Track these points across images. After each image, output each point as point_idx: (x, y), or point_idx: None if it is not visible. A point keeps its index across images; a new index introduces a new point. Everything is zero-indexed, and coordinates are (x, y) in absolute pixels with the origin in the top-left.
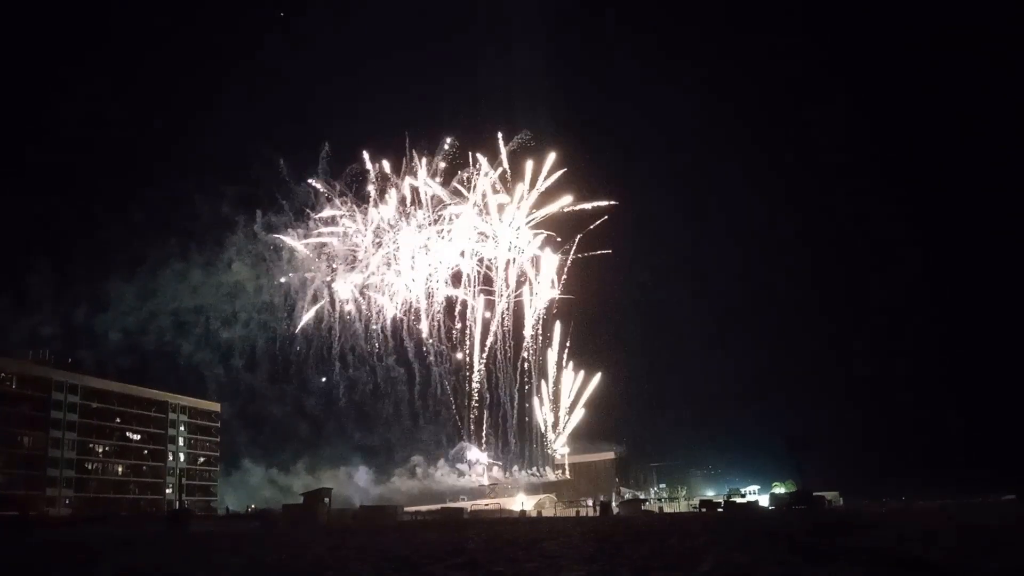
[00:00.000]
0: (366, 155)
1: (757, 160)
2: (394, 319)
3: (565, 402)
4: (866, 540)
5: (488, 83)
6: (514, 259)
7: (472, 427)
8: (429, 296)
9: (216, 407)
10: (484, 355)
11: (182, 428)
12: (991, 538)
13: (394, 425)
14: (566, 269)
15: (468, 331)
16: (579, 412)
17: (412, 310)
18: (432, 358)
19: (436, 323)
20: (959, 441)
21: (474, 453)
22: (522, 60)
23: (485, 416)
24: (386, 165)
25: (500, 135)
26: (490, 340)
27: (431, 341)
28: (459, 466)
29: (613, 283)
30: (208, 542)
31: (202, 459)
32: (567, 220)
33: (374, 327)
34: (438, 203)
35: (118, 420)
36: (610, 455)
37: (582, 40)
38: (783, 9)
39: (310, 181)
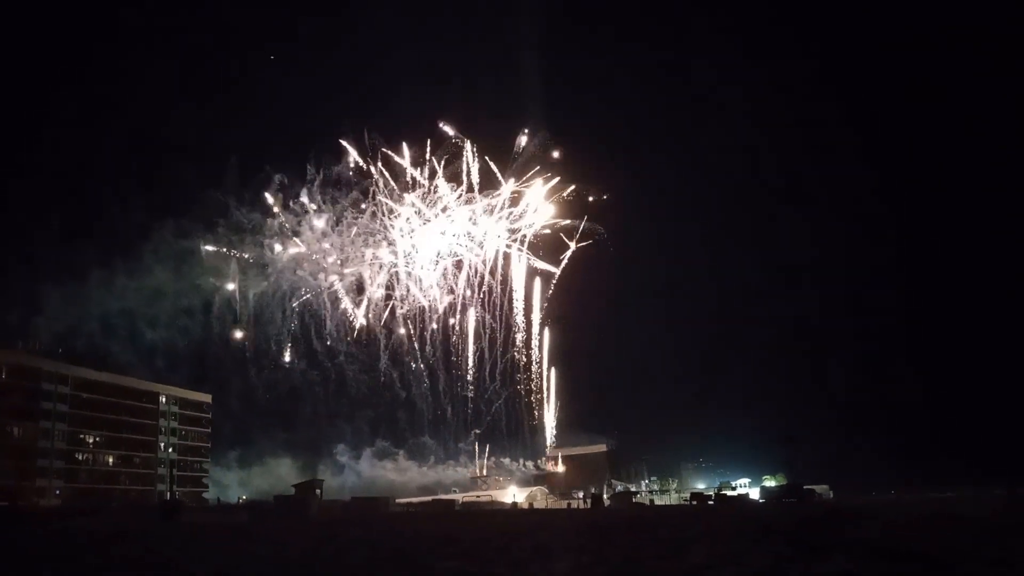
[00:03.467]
0: (353, 151)
1: (754, 155)
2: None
3: (553, 394)
4: (856, 532)
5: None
6: (503, 252)
7: (467, 419)
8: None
9: (207, 398)
10: (475, 349)
11: (173, 419)
12: (979, 529)
13: (384, 415)
14: (561, 260)
15: (460, 326)
16: (566, 403)
17: (403, 305)
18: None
19: (427, 318)
20: (949, 435)
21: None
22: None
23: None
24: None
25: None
26: (473, 330)
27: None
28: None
29: (605, 275)
30: (199, 533)
31: (193, 450)
32: (563, 207)
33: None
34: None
35: (109, 411)
36: (602, 448)
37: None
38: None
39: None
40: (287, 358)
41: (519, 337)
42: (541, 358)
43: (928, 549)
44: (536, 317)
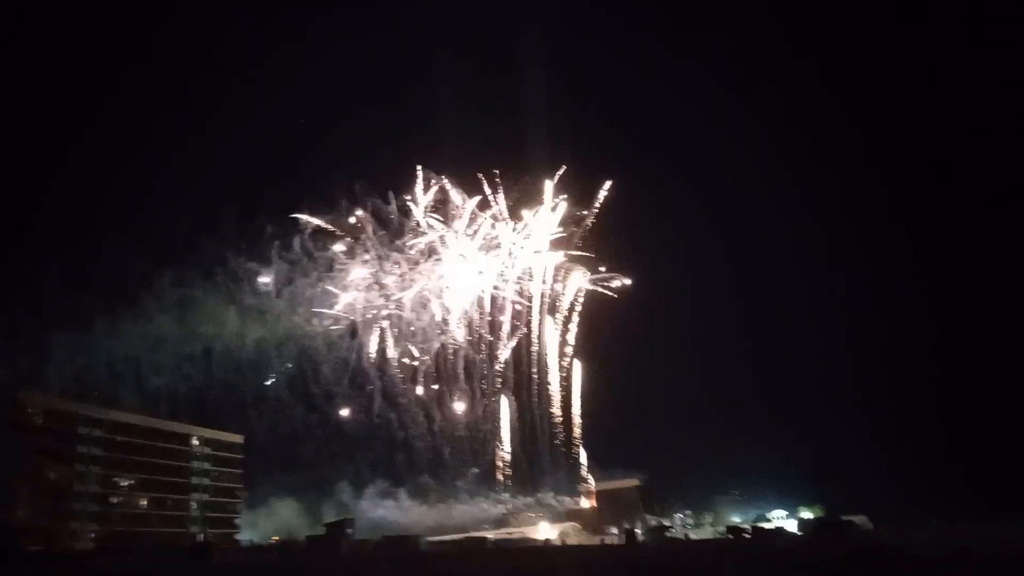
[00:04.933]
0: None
1: (783, 176)
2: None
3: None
4: (895, 569)
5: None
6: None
7: (498, 456)
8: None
9: (239, 439)
10: (503, 386)
11: (204, 460)
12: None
13: (413, 455)
14: (581, 294)
15: (489, 359)
16: (598, 438)
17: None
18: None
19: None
20: (986, 463)
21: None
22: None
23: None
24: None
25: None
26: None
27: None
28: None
29: (635, 310)
30: (231, 574)
31: (224, 491)
32: (585, 244)
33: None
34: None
35: (141, 453)
36: (634, 482)
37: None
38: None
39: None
40: (343, 412)
41: (550, 376)
42: (570, 393)
43: None
44: (566, 350)
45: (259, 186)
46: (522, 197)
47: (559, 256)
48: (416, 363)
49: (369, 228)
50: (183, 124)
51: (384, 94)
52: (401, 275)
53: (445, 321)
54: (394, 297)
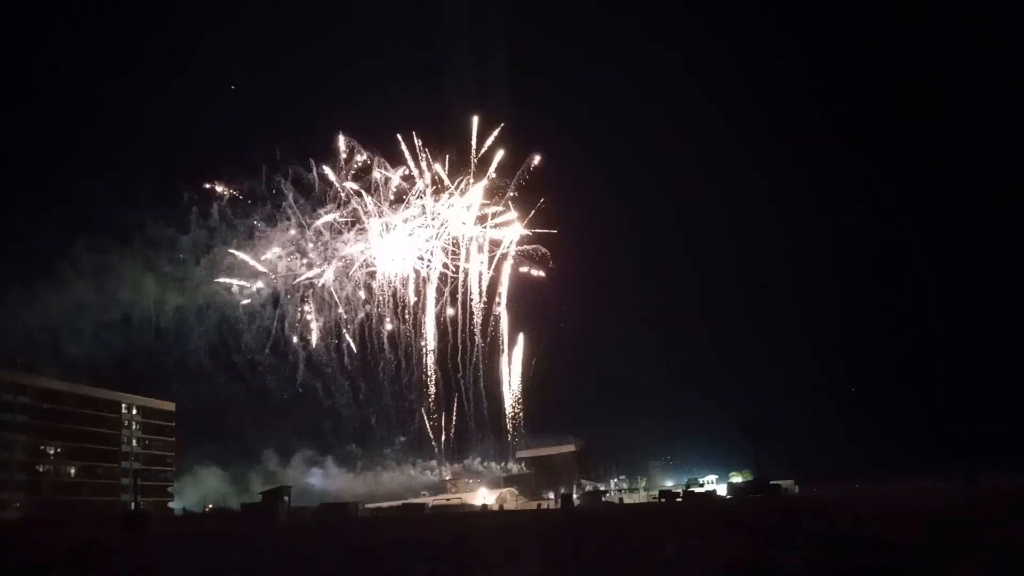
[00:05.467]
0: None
1: (720, 149)
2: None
3: (513, 390)
4: (821, 524)
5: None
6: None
7: (429, 422)
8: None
9: (170, 406)
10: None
11: (136, 428)
12: (937, 518)
13: (344, 417)
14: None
15: (419, 320)
16: (532, 404)
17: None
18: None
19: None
20: (912, 426)
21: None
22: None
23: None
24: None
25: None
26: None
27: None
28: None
29: (565, 269)
30: (165, 544)
31: (156, 459)
32: (518, 203)
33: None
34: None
35: (70, 421)
36: (570, 448)
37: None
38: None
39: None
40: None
41: (483, 343)
42: (506, 360)
43: (890, 538)
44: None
45: (179, 152)
46: (452, 169)
47: (487, 224)
48: (342, 332)
49: (289, 196)
50: (100, 85)
51: (306, 58)
52: (324, 244)
53: (369, 289)
54: (316, 266)
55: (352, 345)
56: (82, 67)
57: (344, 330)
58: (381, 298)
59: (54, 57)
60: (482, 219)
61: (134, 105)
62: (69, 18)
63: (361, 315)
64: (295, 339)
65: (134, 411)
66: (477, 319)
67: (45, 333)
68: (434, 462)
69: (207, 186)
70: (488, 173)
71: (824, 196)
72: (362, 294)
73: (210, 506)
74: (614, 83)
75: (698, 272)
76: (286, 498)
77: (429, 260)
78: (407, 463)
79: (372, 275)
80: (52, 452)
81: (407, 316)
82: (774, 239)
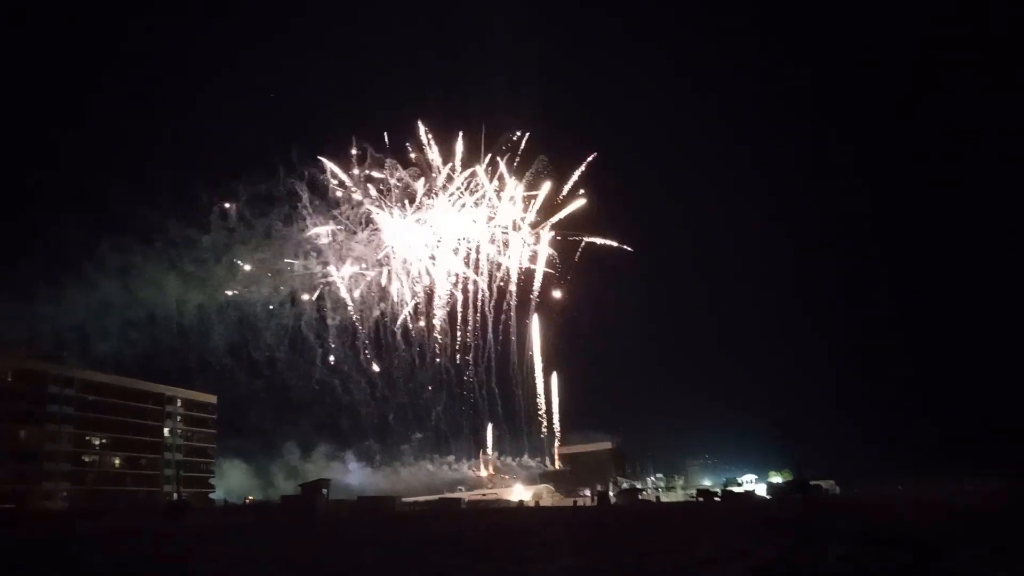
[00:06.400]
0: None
1: (764, 156)
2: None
3: (556, 392)
4: (859, 522)
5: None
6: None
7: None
8: (423, 287)
9: (212, 399)
10: (479, 346)
11: (179, 420)
12: (975, 518)
13: (390, 414)
14: (565, 257)
15: (465, 322)
16: (570, 402)
17: (406, 302)
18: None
19: (431, 315)
20: (956, 427)
21: None
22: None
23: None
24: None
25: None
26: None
27: (437, 334)
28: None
29: (610, 274)
30: (207, 535)
31: (198, 451)
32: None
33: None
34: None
35: (114, 413)
36: (607, 445)
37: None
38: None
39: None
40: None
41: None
42: (543, 357)
43: (925, 537)
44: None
45: (200, 155)
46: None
47: (531, 222)
48: (361, 327)
49: (304, 196)
50: (126, 94)
51: (328, 62)
52: (339, 243)
53: (389, 288)
54: (332, 265)
55: (393, 339)
56: (111, 69)
57: (359, 327)
58: (412, 292)
59: (82, 61)
60: (528, 214)
61: (156, 110)
62: (96, 25)
63: (376, 313)
64: (312, 336)
65: (178, 403)
66: (513, 315)
67: (74, 331)
68: (452, 457)
69: (224, 188)
70: (525, 175)
71: (862, 201)
72: (394, 289)
73: (250, 498)
74: (642, 94)
75: (739, 273)
76: (325, 491)
77: (469, 252)
78: (424, 459)
79: (409, 271)
80: (97, 443)
81: (436, 312)
82: (815, 241)
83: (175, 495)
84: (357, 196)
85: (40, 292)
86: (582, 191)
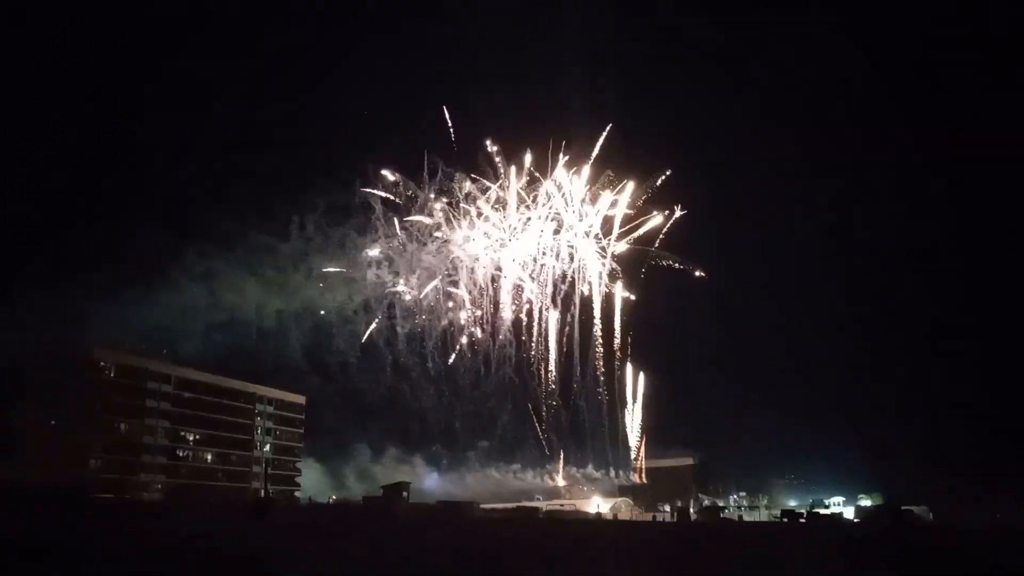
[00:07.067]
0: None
1: (847, 165)
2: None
3: (636, 404)
4: (961, 557)
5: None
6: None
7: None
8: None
9: (301, 399)
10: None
11: (269, 419)
12: None
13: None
14: (639, 273)
15: (543, 333)
16: (653, 416)
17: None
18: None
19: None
20: None
21: None
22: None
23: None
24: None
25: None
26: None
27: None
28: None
29: (691, 288)
30: (291, 532)
31: (286, 450)
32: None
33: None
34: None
35: (208, 410)
36: (688, 461)
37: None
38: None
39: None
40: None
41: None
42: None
43: None
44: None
45: (278, 165)
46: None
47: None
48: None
49: (378, 208)
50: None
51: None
52: (409, 253)
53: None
54: (402, 275)
55: (460, 349)
56: (205, 93)
57: (427, 336)
58: (490, 299)
59: (164, 71)
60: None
61: (237, 121)
62: (179, 29)
63: (445, 322)
64: (382, 343)
65: (268, 403)
66: (598, 328)
67: (160, 331)
68: (517, 466)
69: (302, 199)
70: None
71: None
72: (466, 297)
73: (333, 497)
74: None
75: (830, 289)
76: (405, 493)
77: (545, 263)
78: (490, 466)
79: (495, 279)
80: (191, 438)
81: (501, 322)
82: (912, 252)
83: (262, 492)
84: (427, 209)
85: (129, 294)
86: (655, 212)
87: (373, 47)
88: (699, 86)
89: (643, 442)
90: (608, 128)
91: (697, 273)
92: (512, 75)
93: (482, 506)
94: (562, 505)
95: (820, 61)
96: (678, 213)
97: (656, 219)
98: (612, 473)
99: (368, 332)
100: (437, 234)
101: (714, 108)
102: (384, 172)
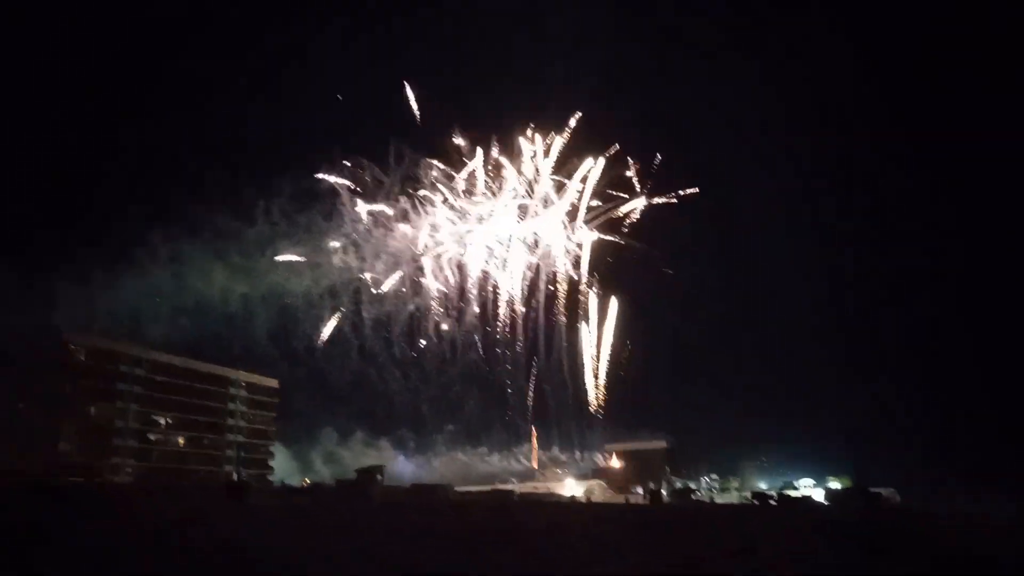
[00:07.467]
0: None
1: (822, 149)
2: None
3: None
4: (928, 540)
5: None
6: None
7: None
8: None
9: (274, 383)
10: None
11: (241, 403)
12: None
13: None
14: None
15: (509, 319)
16: (624, 398)
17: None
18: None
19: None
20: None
21: None
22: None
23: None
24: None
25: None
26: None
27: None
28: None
29: (667, 268)
30: (267, 514)
31: (259, 433)
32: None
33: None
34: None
35: (180, 393)
36: (661, 444)
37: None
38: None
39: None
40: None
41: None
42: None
43: (996, 560)
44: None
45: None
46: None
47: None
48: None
49: (343, 193)
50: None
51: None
52: (375, 238)
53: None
54: (367, 260)
55: (425, 333)
56: (170, 79)
57: (393, 321)
58: (446, 287)
59: (143, 56)
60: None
61: (203, 109)
62: (154, 15)
63: (427, 304)
64: (348, 327)
65: (241, 386)
66: (563, 312)
67: (128, 315)
68: (484, 449)
69: (268, 184)
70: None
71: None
72: (428, 284)
73: (307, 481)
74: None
75: (801, 275)
76: (379, 476)
77: (511, 247)
78: (456, 449)
79: (461, 264)
80: (163, 422)
81: (468, 307)
82: (884, 242)
83: (235, 475)
84: (394, 193)
85: (98, 278)
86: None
87: (345, 32)
88: (679, 74)
89: (615, 426)
90: (578, 115)
91: (665, 269)
92: (483, 59)
93: (456, 489)
94: (536, 488)
95: (808, 51)
96: (643, 202)
97: (628, 204)
98: (578, 456)
99: (334, 317)
100: (402, 224)
101: (691, 96)
102: (347, 161)
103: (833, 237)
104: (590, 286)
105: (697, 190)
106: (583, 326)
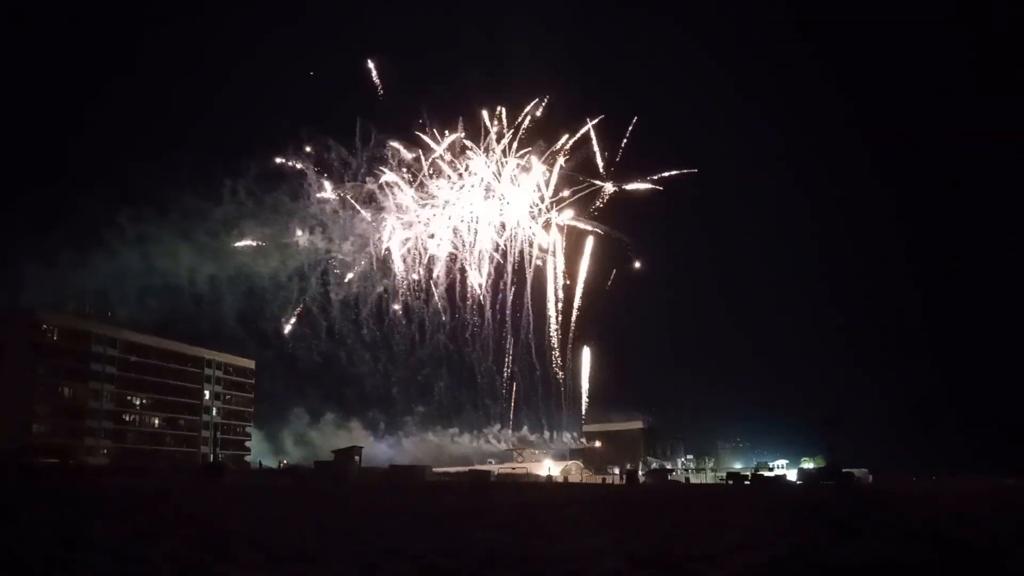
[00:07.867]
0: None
1: (789, 137)
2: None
3: (586, 369)
4: (895, 517)
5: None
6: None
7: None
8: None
9: (251, 364)
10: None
11: (218, 383)
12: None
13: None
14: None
15: (476, 300)
16: (601, 379)
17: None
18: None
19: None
20: (994, 419)
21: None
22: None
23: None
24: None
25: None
26: (490, 308)
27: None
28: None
29: (641, 252)
30: (245, 494)
31: (236, 414)
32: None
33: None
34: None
35: (156, 374)
36: (637, 424)
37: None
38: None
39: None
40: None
41: (550, 310)
42: (574, 332)
43: (971, 535)
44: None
45: (214, 130)
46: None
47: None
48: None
49: (311, 173)
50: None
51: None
52: (343, 220)
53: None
54: (336, 241)
55: (394, 315)
56: (137, 59)
57: (362, 303)
58: (414, 269)
59: (113, 49)
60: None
61: (169, 86)
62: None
63: (396, 286)
64: (316, 309)
65: (217, 367)
66: (530, 296)
67: (96, 295)
68: (455, 430)
69: (235, 164)
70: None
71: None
72: (395, 266)
73: (284, 462)
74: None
75: (778, 255)
76: (357, 458)
77: (478, 229)
78: (426, 431)
79: (427, 245)
80: (138, 403)
81: (436, 289)
82: (860, 229)
83: (212, 456)
84: (361, 175)
85: (64, 258)
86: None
87: (312, 8)
88: (649, 57)
89: (592, 406)
90: (546, 98)
91: (636, 264)
92: (451, 41)
93: (434, 470)
94: (514, 468)
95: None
96: (611, 187)
97: (598, 188)
98: (547, 436)
99: (302, 298)
100: (365, 209)
101: (666, 80)
102: (314, 141)
103: (812, 219)
104: (555, 268)
105: (676, 172)
106: (550, 290)
